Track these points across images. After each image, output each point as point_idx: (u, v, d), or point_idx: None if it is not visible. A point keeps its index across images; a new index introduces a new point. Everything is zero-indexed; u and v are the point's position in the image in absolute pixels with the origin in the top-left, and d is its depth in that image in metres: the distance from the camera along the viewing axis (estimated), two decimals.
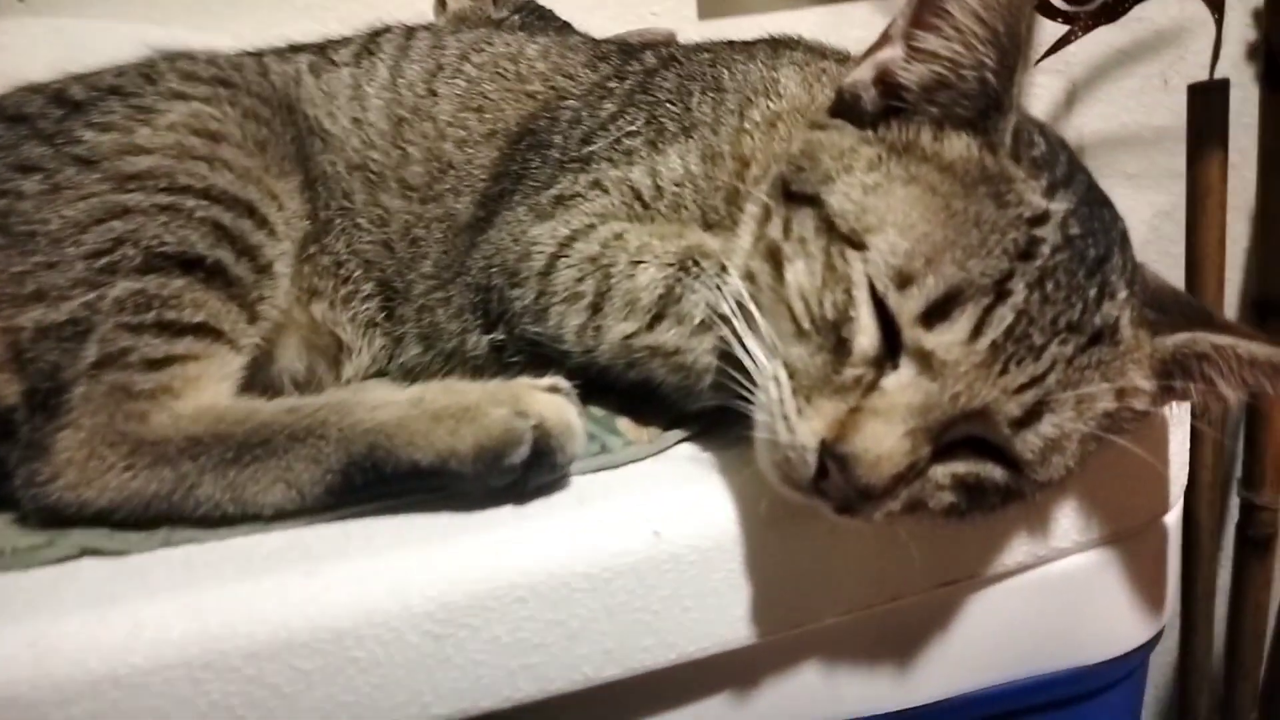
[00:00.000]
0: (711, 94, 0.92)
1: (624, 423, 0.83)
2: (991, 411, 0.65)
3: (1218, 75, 1.57)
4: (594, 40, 1.12)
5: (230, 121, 0.89)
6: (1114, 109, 2.06)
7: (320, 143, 0.96)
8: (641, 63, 1.01)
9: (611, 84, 0.99)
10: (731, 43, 1.04)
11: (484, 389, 0.74)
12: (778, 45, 1.00)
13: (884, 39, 0.74)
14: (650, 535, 0.70)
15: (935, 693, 0.83)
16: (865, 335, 0.66)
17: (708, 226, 0.86)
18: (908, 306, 0.64)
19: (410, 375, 0.96)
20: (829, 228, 0.69)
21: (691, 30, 1.78)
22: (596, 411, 0.84)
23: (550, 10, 1.46)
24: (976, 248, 0.64)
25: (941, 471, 0.67)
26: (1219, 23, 1.51)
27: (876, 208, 0.67)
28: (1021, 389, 0.65)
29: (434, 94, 0.99)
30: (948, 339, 0.64)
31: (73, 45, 1.37)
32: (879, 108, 0.74)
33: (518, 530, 0.70)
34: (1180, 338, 0.71)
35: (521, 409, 0.72)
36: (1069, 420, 0.66)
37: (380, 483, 0.72)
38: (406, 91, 0.99)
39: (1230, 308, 1.98)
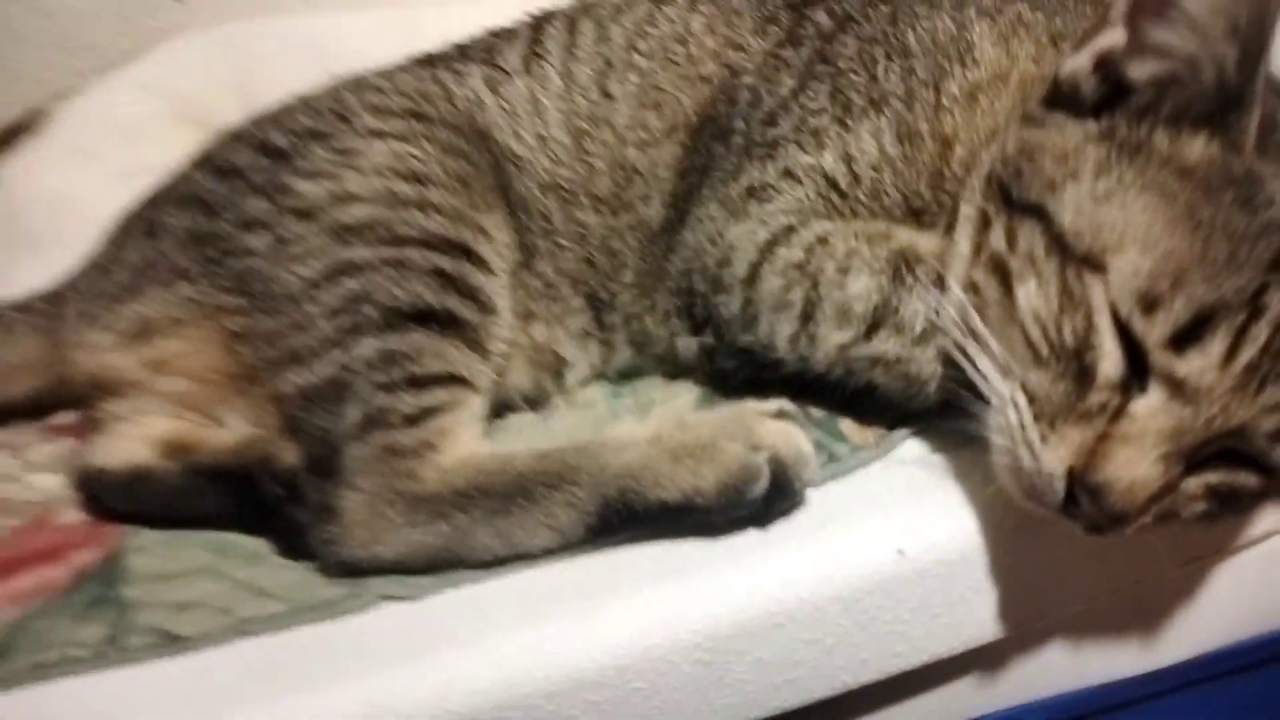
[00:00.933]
0: (899, 60, 0.88)
1: (847, 425, 0.85)
2: (1248, 429, 0.64)
3: None
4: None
5: (432, 160, 0.92)
6: None
7: (513, 168, 0.98)
8: (815, 24, 0.97)
9: (786, 53, 0.96)
10: None
11: (716, 423, 0.78)
12: None
13: (1102, 22, 0.69)
14: (895, 554, 0.74)
15: (1178, 654, 0.84)
16: (1109, 361, 0.65)
17: (913, 213, 0.84)
18: (1155, 331, 0.63)
19: (625, 376, 1.01)
20: (1061, 247, 0.67)
21: None
22: (817, 413, 0.87)
23: None
24: (1226, 262, 0.62)
25: (1195, 483, 0.67)
26: None
27: (1113, 222, 0.65)
28: (1278, 405, 0.63)
29: (609, 96, 0.98)
30: (1200, 364, 0.62)
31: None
32: (1101, 95, 0.70)
33: (766, 559, 0.75)
34: None
35: (755, 442, 0.75)
36: None
37: (633, 519, 0.77)
38: (581, 99, 0.98)
39: None
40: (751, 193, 0.90)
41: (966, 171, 0.80)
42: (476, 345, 0.87)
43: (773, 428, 0.77)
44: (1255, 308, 0.62)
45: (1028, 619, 0.77)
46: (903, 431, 0.83)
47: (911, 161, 0.84)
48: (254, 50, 1.43)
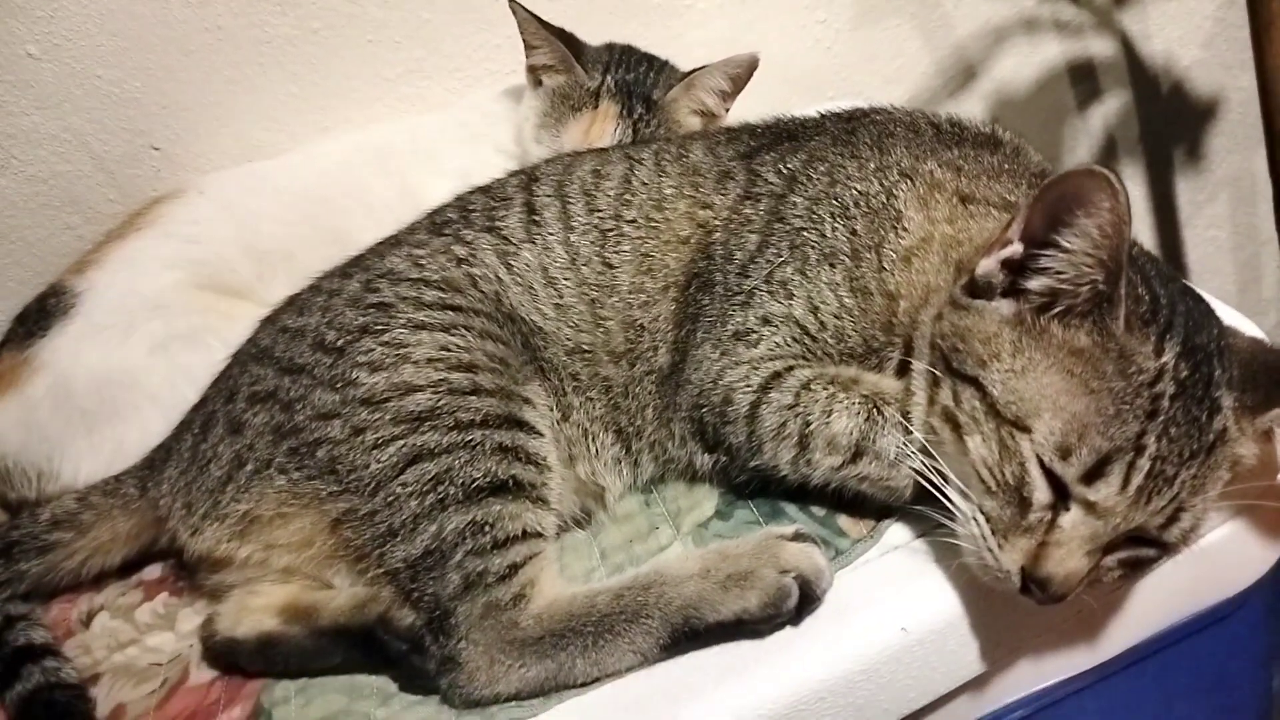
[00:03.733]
0: (841, 220, 1.09)
1: (844, 520, 1.08)
2: (1143, 526, 0.88)
3: None
4: (710, 147, 1.26)
5: (474, 348, 1.10)
6: None
7: (541, 341, 1.16)
8: (767, 182, 1.17)
9: (746, 209, 1.16)
10: (835, 136, 1.19)
11: (750, 553, 1.00)
12: (879, 137, 1.15)
13: (1003, 238, 0.92)
14: (900, 632, 0.98)
15: (1118, 647, 1.10)
16: (1040, 492, 0.89)
17: (873, 352, 1.06)
18: (1070, 472, 0.87)
19: (652, 483, 1.22)
20: (995, 413, 0.90)
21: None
22: (818, 510, 1.10)
23: (631, 50, 1.57)
24: (1114, 419, 0.85)
25: (1110, 560, 0.92)
26: None
27: (1030, 395, 0.88)
28: (1163, 508, 0.88)
29: (610, 267, 1.16)
30: (1105, 492, 0.86)
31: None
32: (1008, 283, 0.93)
33: (806, 651, 0.98)
34: (1274, 413, 0.92)
35: (783, 566, 0.98)
36: (1199, 511, 0.89)
37: (696, 636, 1.00)
38: (587, 269, 1.16)
39: None
40: (738, 336, 1.10)
41: (911, 320, 1.02)
42: (540, 501, 1.07)
43: (795, 550, 0.99)
44: (1139, 447, 0.86)
45: (1002, 653, 1.02)
46: (889, 520, 1.06)
47: (865, 311, 1.06)
48: (252, 208, 1.56)
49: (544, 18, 1.50)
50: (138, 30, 1.62)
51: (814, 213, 1.10)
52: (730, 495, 1.16)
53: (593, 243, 1.18)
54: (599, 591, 1.03)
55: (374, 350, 1.10)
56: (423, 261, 1.20)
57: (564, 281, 1.17)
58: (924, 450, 0.95)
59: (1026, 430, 0.88)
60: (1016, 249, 0.90)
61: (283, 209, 1.56)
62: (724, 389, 1.09)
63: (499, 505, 1.04)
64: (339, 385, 1.10)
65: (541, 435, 1.10)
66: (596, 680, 1.00)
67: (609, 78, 1.50)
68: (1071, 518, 0.88)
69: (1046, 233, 0.87)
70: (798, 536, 1.02)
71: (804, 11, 1.96)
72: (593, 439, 1.18)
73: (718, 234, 1.16)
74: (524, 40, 1.52)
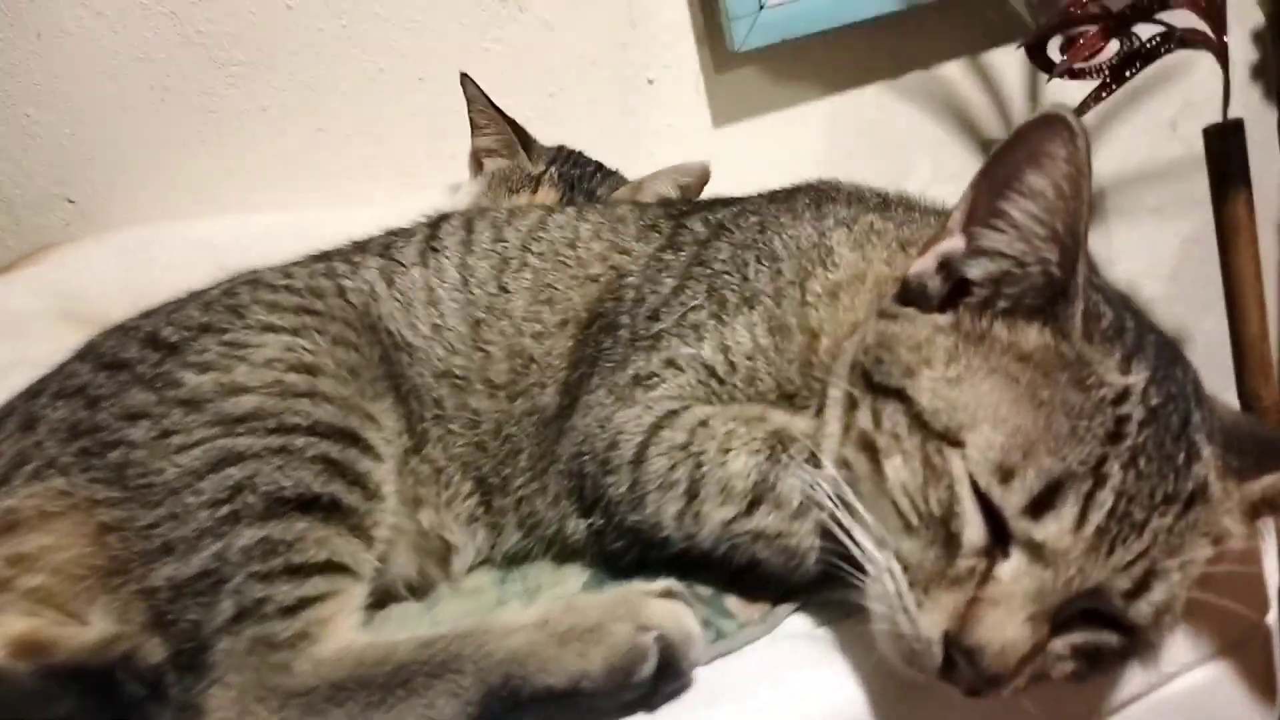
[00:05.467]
0: (768, 263, 0.96)
1: (733, 602, 0.86)
2: (1104, 588, 0.68)
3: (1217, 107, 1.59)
4: (639, 206, 1.17)
5: (323, 352, 0.93)
6: (1126, 150, 2.10)
7: (406, 356, 1.00)
8: (692, 232, 1.05)
9: (667, 256, 1.04)
10: (773, 196, 1.08)
11: (604, 605, 0.78)
12: (819, 198, 1.04)
13: (943, 230, 0.77)
14: None
15: None
16: (972, 528, 0.69)
17: (786, 397, 0.89)
18: (1011, 500, 0.67)
19: (513, 560, 1.00)
20: (921, 424, 0.72)
21: (707, 139, 1.85)
22: (703, 590, 0.88)
23: (582, 154, 1.51)
24: (1068, 436, 0.68)
25: (1061, 644, 0.70)
26: (1225, 65, 1.54)
27: (965, 403, 0.71)
28: (1130, 564, 0.68)
29: (505, 290, 1.03)
30: (1055, 529, 0.67)
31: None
32: (945, 291, 0.78)
33: None
34: (1269, 481, 0.74)
35: (642, 622, 0.75)
36: (1176, 584, 0.69)
37: (517, 708, 0.75)
38: (479, 290, 1.03)
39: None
40: (638, 380, 0.94)
41: (833, 359, 0.86)
42: (361, 532, 0.86)
43: (660, 607, 0.77)
44: (1099, 476, 0.67)
45: None
46: (788, 606, 0.84)
47: (782, 351, 0.90)
48: (150, 254, 1.44)
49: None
50: (80, 75, 1.57)
51: (738, 257, 0.98)
52: (602, 573, 0.94)
53: (491, 267, 1.05)
54: (404, 640, 0.79)
55: (209, 350, 0.94)
56: (292, 272, 1.06)
57: (449, 301, 1.03)
58: (835, 490, 0.76)
59: (958, 444, 0.70)
60: (957, 243, 0.76)
61: (183, 259, 1.43)
62: (612, 432, 0.91)
63: (304, 524, 0.83)
64: (159, 385, 0.92)
65: (381, 460, 0.91)
66: None
67: (553, 168, 1.43)
68: (1012, 566, 0.68)
69: (991, 204, 0.73)
70: (668, 594, 0.80)
71: None
72: (447, 483, 0.98)
73: (632, 278, 1.03)
74: (471, 120, 1.46)
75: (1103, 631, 0.70)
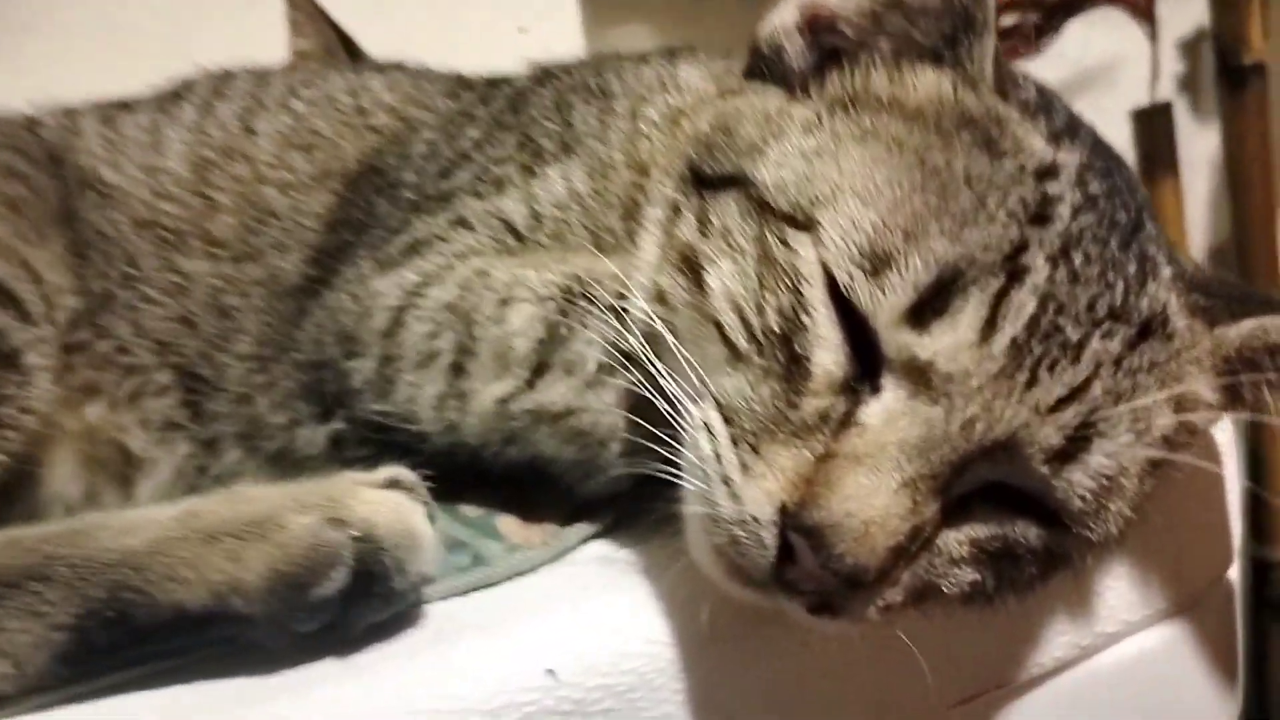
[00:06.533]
0: (597, 102, 0.74)
1: (507, 522, 0.61)
2: (1021, 442, 0.44)
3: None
4: (459, 75, 0.94)
5: None
6: None
7: (96, 196, 0.75)
8: (511, 83, 0.83)
9: (476, 110, 0.81)
10: (619, 54, 0.87)
11: (284, 492, 0.52)
12: (674, 50, 0.83)
13: None
14: (543, 676, 0.48)
15: None
16: (826, 348, 0.46)
17: (600, 250, 0.66)
18: (887, 301, 0.45)
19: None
20: (761, 208, 0.49)
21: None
22: (470, 511, 0.62)
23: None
24: (971, 212, 0.45)
25: (955, 539, 0.47)
26: (1154, 38, 1.41)
27: (825, 174, 0.48)
28: (1059, 405, 0.45)
29: (251, 131, 0.80)
30: (949, 340, 0.44)
31: None
32: (809, 63, 0.56)
33: (342, 690, 0.47)
34: (1248, 326, 0.52)
35: (338, 514, 0.49)
36: (1125, 445, 0.46)
37: (134, 641, 0.48)
38: (216, 131, 0.80)
39: None
40: (415, 247, 0.71)
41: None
42: None
43: (371, 498, 0.51)
44: (1014, 269, 0.45)
45: None
46: (581, 528, 0.59)
47: (603, 195, 0.68)
48: None
49: None
50: None
51: (564, 100, 0.76)
52: None
53: (241, 108, 0.83)
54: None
55: None
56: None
57: (175, 142, 0.79)
58: (646, 333, 0.52)
59: (809, 225, 0.47)
60: None
61: None
62: (365, 300, 0.67)
63: None
64: None
65: (31, 322, 0.65)
66: None
67: None
68: (884, 404, 0.45)
69: None
70: (394, 485, 0.54)
71: None
72: (132, 368, 0.72)
73: (427, 131, 0.81)
74: (289, 21, 1.22)
75: (1017, 519, 0.47)
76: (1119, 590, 0.60)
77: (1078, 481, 0.45)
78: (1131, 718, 0.63)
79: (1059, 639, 0.59)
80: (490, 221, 0.70)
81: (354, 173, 0.78)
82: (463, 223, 0.70)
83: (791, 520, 0.43)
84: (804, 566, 0.43)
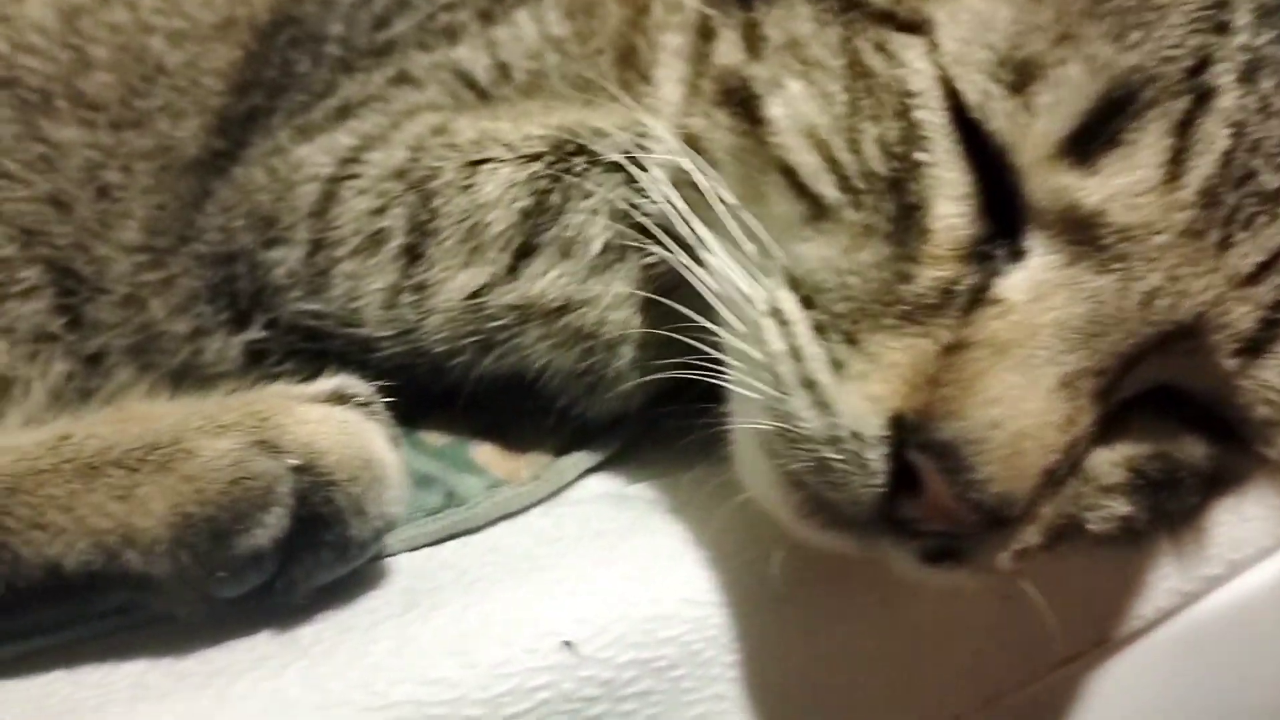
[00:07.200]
0: None
1: (484, 451, 0.48)
2: (1208, 326, 0.34)
3: None
4: None
5: None
6: None
7: None
8: None
9: None
10: None
11: (192, 409, 0.39)
12: None
13: None
14: (558, 650, 0.35)
15: None
16: (950, 195, 0.34)
17: (593, 109, 0.53)
18: (1037, 127, 0.33)
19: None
20: (845, 5, 0.37)
21: None
22: (435, 439, 0.49)
23: None
24: (1139, 8, 0.33)
25: (1109, 460, 0.35)
26: None
27: None
28: (1256, 275, 0.33)
29: None
30: (1125, 181, 0.33)
31: None
32: None
33: (281, 679, 0.34)
34: None
35: (268, 437, 0.36)
36: None
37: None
38: None
39: None
40: (345, 111, 0.57)
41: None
42: None
43: (312, 416, 0.38)
44: (1200, 90, 0.33)
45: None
46: (578, 457, 0.46)
47: (588, 39, 0.55)
48: None
49: None
50: None
51: None
52: None
53: None
54: None
55: None
56: None
57: None
58: (679, 189, 0.40)
59: (920, 26, 0.35)
60: None
61: None
62: (285, 177, 0.53)
63: None
64: None
65: None
66: None
67: None
68: (1031, 275, 0.33)
69: None
70: (339, 399, 0.40)
71: None
72: None
73: None
74: None
75: (1184, 436, 0.36)
76: (1229, 525, 0.50)
77: (1266, 381, 0.35)
78: (1241, 668, 0.54)
79: (1162, 584, 0.49)
80: (441, 75, 0.56)
81: (265, 22, 0.64)
82: (406, 78, 0.57)
83: (915, 435, 0.31)
84: (932, 499, 0.31)
